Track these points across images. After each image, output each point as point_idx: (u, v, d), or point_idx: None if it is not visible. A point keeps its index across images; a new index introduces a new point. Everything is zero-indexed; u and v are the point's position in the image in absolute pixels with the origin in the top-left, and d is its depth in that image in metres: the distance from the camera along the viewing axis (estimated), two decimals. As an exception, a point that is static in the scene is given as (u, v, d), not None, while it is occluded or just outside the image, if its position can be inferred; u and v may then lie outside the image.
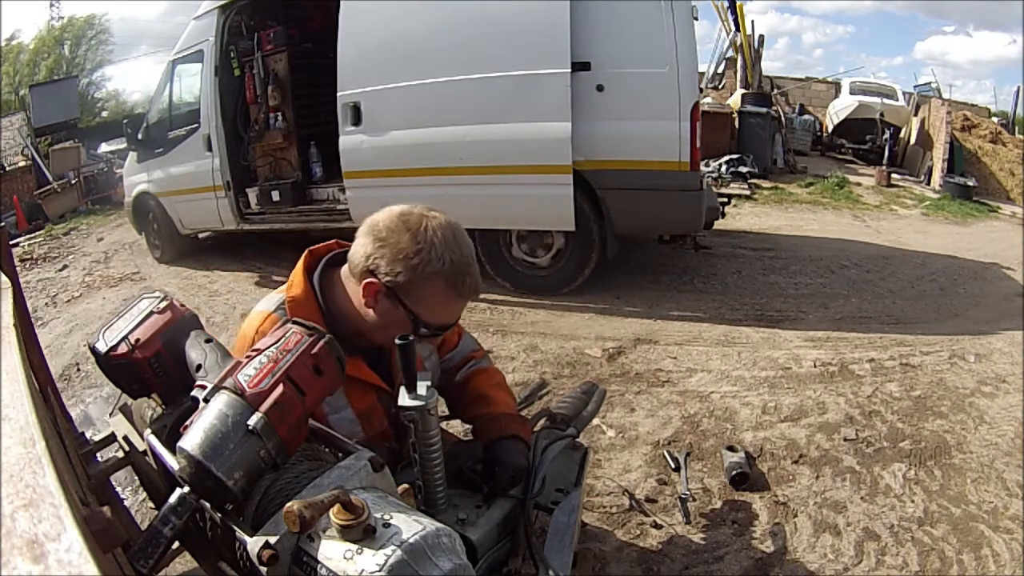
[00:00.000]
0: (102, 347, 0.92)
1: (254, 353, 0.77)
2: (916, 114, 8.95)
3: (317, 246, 1.14)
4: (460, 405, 1.29)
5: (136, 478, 1.19)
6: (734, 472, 2.06)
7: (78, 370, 3.26)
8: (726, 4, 8.87)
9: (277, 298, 1.08)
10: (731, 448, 2.18)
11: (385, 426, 1.14)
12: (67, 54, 17.03)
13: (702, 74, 8.56)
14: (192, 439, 0.70)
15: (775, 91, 9.80)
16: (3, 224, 1.58)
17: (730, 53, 9.42)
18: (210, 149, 4.43)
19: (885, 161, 8.13)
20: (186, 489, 0.71)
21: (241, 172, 4.51)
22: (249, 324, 1.08)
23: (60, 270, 5.52)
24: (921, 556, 1.77)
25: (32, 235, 7.56)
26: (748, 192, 6.63)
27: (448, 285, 1.00)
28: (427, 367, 1.19)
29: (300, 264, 1.10)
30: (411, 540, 0.62)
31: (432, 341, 1.22)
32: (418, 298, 1.00)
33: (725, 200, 4.41)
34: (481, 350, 1.36)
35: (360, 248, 1.02)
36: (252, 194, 4.46)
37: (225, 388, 0.73)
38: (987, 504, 1.96)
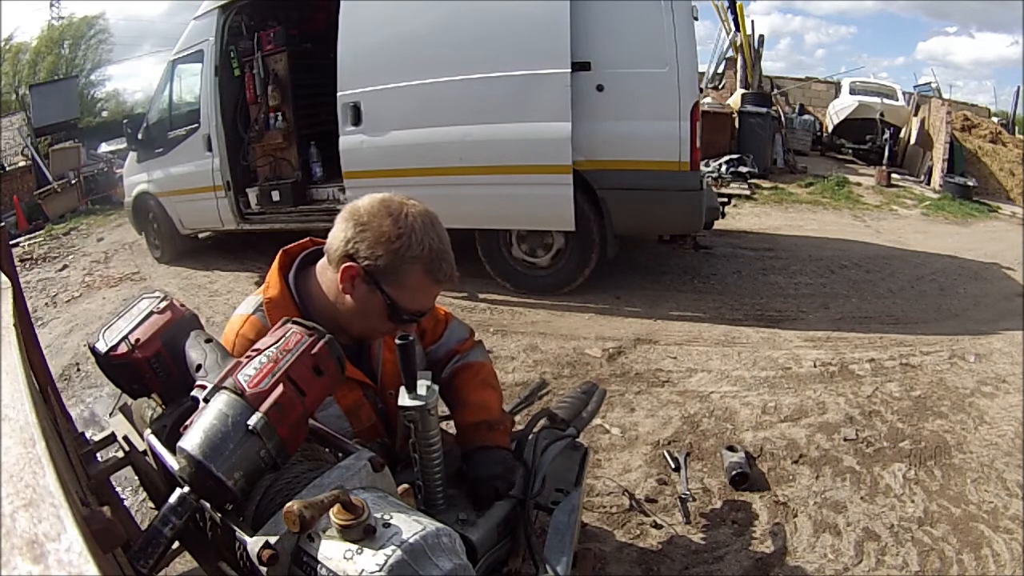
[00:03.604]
0: (102, 347, 0.91)
1: (254, 353, 0.77)
2: (916, 114, 8.95)
3: (291, 245, 1.13)
4: (447, 405, 1.26)
5: (136, 478, 1.18)
6: (734, 472, 2.06)
7: (78, 370, 3.25)
8: (726, 4, 8.88)
9: (255, 300, 1.08)
10: (731, 448, 2.18)
11: (374, 420, 1.14)
12: (67, 54, 17.01)
13: (702, 74, 8.57)
14: (192, 439, 0.70)
15: (775, 91, 9.80)
16: (3, 224, 1.57)
17: (730, 53, 9.43)
18: (210, 149, 4.43)
19: (885, 161, 8.13)
20: (186, 489, 0.71)
21: (241, 172, 4.51)
22: (230, 328, 1.07)
23: (60, 270, 5.52)
24: (921, 556, 1.77)
25: (32, 235, 7.55)
26: (748, 192, 6.63)
27: (426, 270, 1.00)
28: None
29: (275, 264, 1.09)
30: (411, 540, 0.62)
31: (410, 328, 1.21)
32: (396, 282, 1.00)
33: (725, 200, 4.41)
34: (469, 340, 1.32)
35: (339, 233, 1.01)
36: (252, 194, 4.46)
37: (225, 388, 0.73)
38: (987, 504, 1.96)
